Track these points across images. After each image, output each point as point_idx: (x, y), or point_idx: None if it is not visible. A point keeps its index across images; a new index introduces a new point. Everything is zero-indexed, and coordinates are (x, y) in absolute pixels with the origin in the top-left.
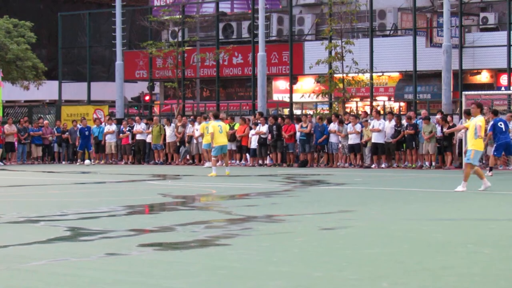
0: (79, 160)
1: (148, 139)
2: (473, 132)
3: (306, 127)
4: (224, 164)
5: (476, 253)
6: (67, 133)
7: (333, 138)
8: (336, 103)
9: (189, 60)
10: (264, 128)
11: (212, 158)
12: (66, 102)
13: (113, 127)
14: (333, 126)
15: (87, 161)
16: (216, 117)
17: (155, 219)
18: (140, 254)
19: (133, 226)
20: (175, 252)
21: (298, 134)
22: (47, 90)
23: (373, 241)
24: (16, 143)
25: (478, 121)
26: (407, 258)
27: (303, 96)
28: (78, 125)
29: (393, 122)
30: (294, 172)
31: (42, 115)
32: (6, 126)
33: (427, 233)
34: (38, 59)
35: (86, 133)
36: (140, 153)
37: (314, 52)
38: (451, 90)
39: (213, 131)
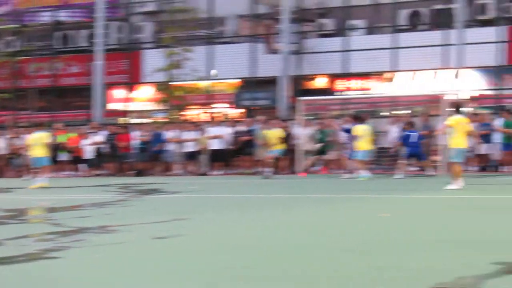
0: None
1: None
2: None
3: (144, 135)
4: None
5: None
6: None
7: (170, 146)
8: (174, 110)
9: (24, 69)
10: (99, 138)
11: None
12: None
13: None
14: (171, 134)
15: None
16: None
17: None
18: None
19: None
20: (2, 267)
21: (135, 142)
22: None
23: (204, 249)
24: None
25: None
26: (237, 264)
27: (141, 104)
28: None
29: (230, 129)
30: (130, 181)
31: None
32: None
33: (259, 239)
34: None
35: None
36: None
37: (154, 60)
38: (289, 96)
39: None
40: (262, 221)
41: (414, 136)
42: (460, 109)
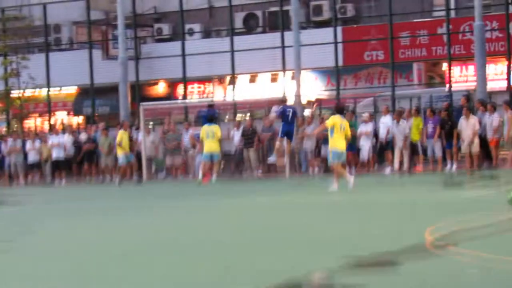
0: None
1: None
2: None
3: None
4: None
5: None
6: None
7: (12, 157)
8: (14, 120)
9: None
10: None
11: None
12: None
13: None
14: (12, 144)
15: None
16: None
17: None
18: None
19: None
20: None
21: None
22: None
23: (45, 259)
24: None
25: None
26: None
27: None
28: None
29: (71, 138)
30: None
31: None
32: None
33: (101, 243)
34: None
35: None
36: None
37: None
38: (129, 102)
39: None
40: (106, 227)
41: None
42: (343, 111)
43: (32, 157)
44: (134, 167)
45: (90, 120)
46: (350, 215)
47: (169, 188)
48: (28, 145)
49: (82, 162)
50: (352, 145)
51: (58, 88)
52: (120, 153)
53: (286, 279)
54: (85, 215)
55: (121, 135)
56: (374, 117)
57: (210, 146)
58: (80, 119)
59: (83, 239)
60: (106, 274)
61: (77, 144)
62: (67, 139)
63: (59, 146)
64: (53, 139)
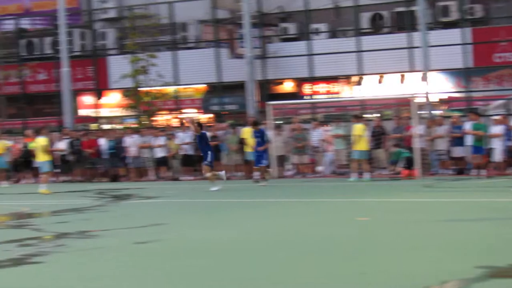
0: None
1: None
2: None
3: (114, 140)
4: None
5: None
6: None
7: (142, 152)
8: (144, 116)
9: None
10: (62, 145)
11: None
12: None
13: None
14: (141, 140)
15: None
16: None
17: None
18: None
19: None
20: None
21: (104, 148)
22: None
23: (183, 252)
24: None
25: None
26: (214, 265)
27: (110, 110)
28: None
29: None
30: (104, 186)
31: None
32: None
33: (236, 243)
34: None
35: None
36: None
37: (119, 66)
38: (256, 100)
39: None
40: (239, 226)
41: None
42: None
43: (160, 153)
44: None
45: (218, 118)
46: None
47: (314, 187)
48: (157, 141)
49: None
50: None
51: (186, 86)
52: (247, 150)
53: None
54: (216, 210)
55: (247, 132)
56: (507, 119)
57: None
58: (208, 116)
59: (218, 234)
60: (245, 272)
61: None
62: (191, 135)
63: (187, 143)
64: (181, 136)
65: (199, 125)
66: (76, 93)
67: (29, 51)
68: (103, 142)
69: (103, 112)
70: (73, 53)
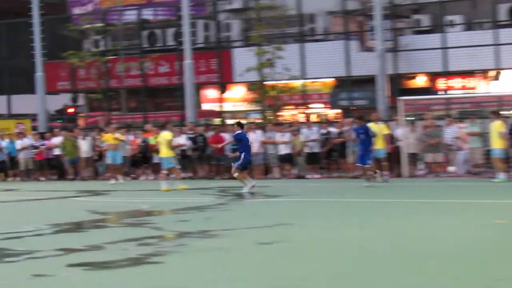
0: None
1: (56, 152)
2: None
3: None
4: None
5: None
6: None
7: (267, 148)
8: (268, 111)
9: (113, 69)
10: (182, 140)
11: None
12: None
13: (26, 141)
14: (266, 136)
15: None
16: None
17: (84, 237)
18: (69, 275)
19: (61, 246)
20: (106, 272)
21: (228, 144)
22: None
23: (312, 255)
24: None
25: None
26: (351, 271)
27: (234, 104)
28: None
29: (323, 130)
30: (227, 184)
31: None
32: None
33: (368, 244)
34: None
35: None
36: (59, 168)
37: (244, 59)
38: (387, 95)
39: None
40: (369, 227)
41: None
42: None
43: (284, 150)
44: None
45: (347, 113)
46: None
47: (431, 186)
48: (281, 137)
49: (329, 156)
50: None
51: (313, 80)
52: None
53: None
54: (343, 210)
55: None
56: None
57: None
58: (336, 112)
59: (348, 236)
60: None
61: (327, 137)
62: (319, 132)
63: (313, 140)
64: (305, 132)
65: (239, 125)
66: (199, 86)
67: (151, 42)
68: (228, 138)
69: (227, 107)
70: (197, 45)
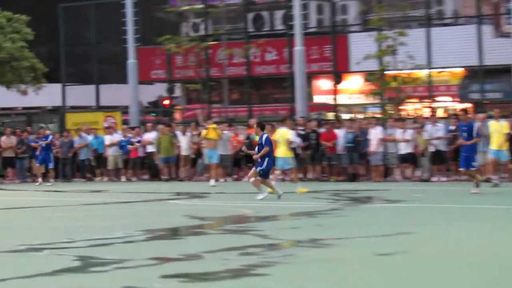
0: (39, 180)
1: (150, 149)
2: None
3: (354, 133)
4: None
5: None
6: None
7: (387, 147)
8: (389, 105)
9: (214, 57)
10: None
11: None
12: (72, 109)
13: (116, 137)
14: (386, 133)
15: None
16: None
17: (180, 245)
18: (163, 287)
19: (154, 254)
20: (204, 284)
21: (341, 142)
22: (48, 95)
23: (438, 268)
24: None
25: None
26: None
27: (350, 97)
28: (84, 135)
29: (450, 127)
30: (341, 187)
31: (43, 125)
32: (3, 138)
33: (502, 257)
34: (36, 59)
35: (43, 144)
36: (152, 167)
37: (361, 45)
38: None
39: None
40: (500, 236)
41: None
42: None
43: (405, 149)
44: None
45: (478, 107)
46: None
47: None
48: (402, 134)
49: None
50: None
51: (441, 69)
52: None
53: None
54: (474, 220)
55: (494, 126)
56: None
57: None
58: (465, 105)
59: (471, 248)
60: None
61: (455, 134)
62: (444, 128)
63: (438, 137)
64: (430, 129)
65: (260, 126)
66: (311, 76)
67: (257, 26)
68: (341, 135)
69: (342, 99)
70: (308, 30)
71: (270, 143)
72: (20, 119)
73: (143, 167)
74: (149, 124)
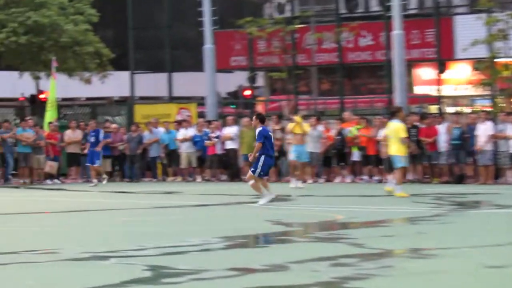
0: (95, 181)
1: (229, 145)
2: None
3: (460, 128)
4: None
5: None
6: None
7: (499, 145)
8: (500, 97)
9: (301, 42)
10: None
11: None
12: (141, 100)
13: (191, 131)
14: (496, 128)
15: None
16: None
17: (263, 254)
18: None
19: (234, 264)
20: None
21: (443, 138)
22: (114, 84)
23: None
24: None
25: None
26: None
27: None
28: (154, 129)
29: None
30: (445, 190)
31: (109, 117)
32: (68, 132)
33: None
34: (102, 44)
35: (92, 139)
36: (232, 166)
37: (469, 29)
38: None
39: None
40: None
41: None
42: None
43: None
44: None
45: None
46: None
47: None
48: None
49: None
50: None
51: None
52: None
53: None
54: None
55: None
56: None
57: None
58: None
59: None
60: None
61: None
62: None
63: None
64: None
65: (260, 118)
66: (411, 64)
67: (350, 8)
68: (442, 130)
69: (446, 90)
70: (408, 11)
71: (263, 137)
72: (83, 111)
73: (221, 165)
74: (230, 118)
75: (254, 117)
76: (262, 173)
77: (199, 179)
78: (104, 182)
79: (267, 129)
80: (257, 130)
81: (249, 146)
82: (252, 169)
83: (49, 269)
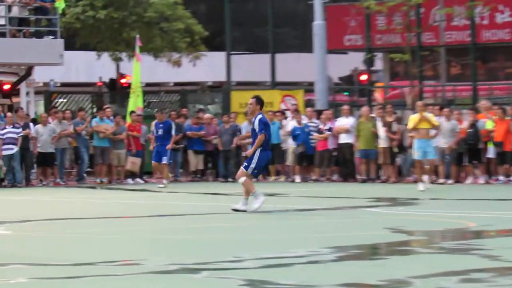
0: (164, 182)
1: (343, 139)
2: None
3: None
4: None
5: None
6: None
7: None
8: None
9: (427, 18)
10: None
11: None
12: (239, 85)
13: (291, 123)
14: None
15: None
16: None
17: (381, 268)
18: None
19: (347, 279)
20: None
21: None
22: (208, 67)
23: None
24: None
25: None
26: None
27: None
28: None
29: None
30: None
31: (202, 106)
32: (156, 122)
33: None
34: (193, 19)
35: (160, 131)
36: (347, 164)
37: None
38: None
39: None
40: None
41: None
42: None
43: None
44: None
45: None
46: None
47: None
48: None
49: None
50: None
51: None
52: None
53: None
54: None
55: None
56: None
57: None
58: None
59: None
60: None
61: None
62: None
63: None
64: None
65: (258, 101)
66: None
67: None
68: None
69: None
70: None
71: (265, 127)
72: (171, 98)
73: (333, 163)
74: (345, 107)
75: (253, 100)
76: (256, 170)
77: (298, 179)
78: (163, 185)
79: (265, 117)
80: (257, 118)
81: (367, 140)
82: (245, 164)
83: (130, 284)
